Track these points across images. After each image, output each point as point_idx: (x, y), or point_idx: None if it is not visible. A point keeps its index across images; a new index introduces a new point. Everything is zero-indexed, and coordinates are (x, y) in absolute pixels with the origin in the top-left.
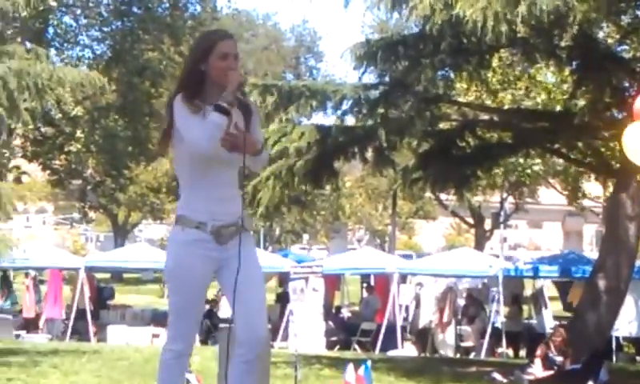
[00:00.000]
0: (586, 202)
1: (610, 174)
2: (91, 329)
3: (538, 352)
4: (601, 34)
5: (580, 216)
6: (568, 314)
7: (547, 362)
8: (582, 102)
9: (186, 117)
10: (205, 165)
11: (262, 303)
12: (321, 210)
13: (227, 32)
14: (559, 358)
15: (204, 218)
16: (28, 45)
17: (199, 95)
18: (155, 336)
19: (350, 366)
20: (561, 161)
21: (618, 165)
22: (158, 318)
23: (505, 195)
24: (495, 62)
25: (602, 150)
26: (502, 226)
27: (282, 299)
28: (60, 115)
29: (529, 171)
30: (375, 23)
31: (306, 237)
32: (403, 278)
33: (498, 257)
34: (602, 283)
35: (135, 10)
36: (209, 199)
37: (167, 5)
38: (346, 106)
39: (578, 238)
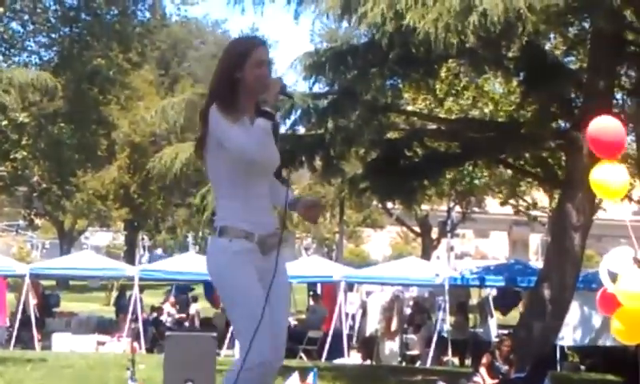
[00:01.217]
0: (533, 212)
1: (556, 185)
2: (36, 336)
3: (484, 360)
4: (548, 46)
5: (526, 225)
6: (513, 323)
7: (492, 371)
8: (529, 113)
9: (226, 126)
10: (246, 174)
11: (286, 325)
12: None
13: (260, 38)
14: (504, 367)
15: (250, 227)
16: None
17: (234, 103)
18: (100, 344)
19: (295, 375)
20: (508, 171)
21: (563, 175)
22: (103, 326)
23: (452, 204)
24: (443, 72)
25: (549, 160)
26: (449, 234)
27: None
28: (6, 122)
29: (476, 181)
30: (324, 32)
31: None
32: (350, 287)
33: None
34: (546, 293)
35: (83, 16)
36: (252, 209)
37: (116, 11)
38: (294, 115)
39: (524, 247)
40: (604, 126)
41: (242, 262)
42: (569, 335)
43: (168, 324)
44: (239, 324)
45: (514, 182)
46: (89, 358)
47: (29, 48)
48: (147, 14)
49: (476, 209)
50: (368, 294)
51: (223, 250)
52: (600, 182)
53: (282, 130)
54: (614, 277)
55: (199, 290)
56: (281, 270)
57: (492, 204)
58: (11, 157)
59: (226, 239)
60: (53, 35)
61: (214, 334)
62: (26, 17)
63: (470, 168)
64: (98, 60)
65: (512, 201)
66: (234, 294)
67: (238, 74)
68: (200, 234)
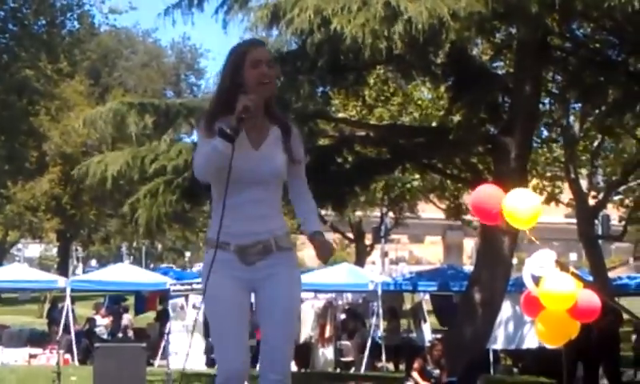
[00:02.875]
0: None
1: None
2: None
3: (415, 365)
4: (475, 51)
5: (460, 230)
6: (446, 328)
7: (424, 375)
8: (457, 118)
9: (200, 141)
10: (226, 185)
11: (284, 338)
12: (203, 227)
13: (257, 40)
14: (436, 371)
15: (226, 237)
16: None
17: (225, 115)
18: (32, 357)
19: None
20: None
21: (492, 180)
22: (35, 339)
23: (385, 210)
24: (372, 79)
25: (478, 165)
26: (382, 240)
27: (162, 317)
28: None
29: (408, 186)
30: None
31: (187, 254)
32: None
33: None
34: (477, 296)
35: (11, 26)
36: (234, 219)
37: (44, 21)
38: None
39: (458, 251)
40: (485, 195)
41: (214, 272)
42: (501, 338)
43: (103, 335)
44: (212, 338)
45: (445, 186)
46: (19, 371)
47: None
48: (76, 23)
49: (409, 214)
50: (300, 301)
51: (205, 261)
52: (510, 210)
53: None
54: (537, 280)
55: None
56: (276, 281)
57: (426, 209)
58: None
59: (206, 250)
60: None
61: (144, 345)
62: None
63: (401, 174)
64: (26, 71)
65: (443, 205)
66: (205, 306)
67: (238, 78)
68: (135, 244)
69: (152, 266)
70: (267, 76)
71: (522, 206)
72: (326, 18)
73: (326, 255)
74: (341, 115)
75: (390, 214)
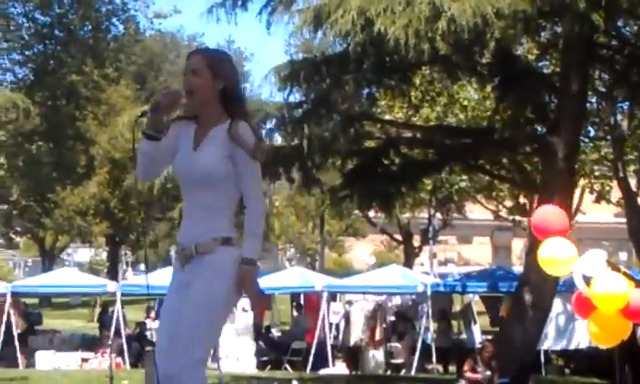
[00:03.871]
0: (516, 217)
1: (533, 189)
2: (19, 354)
3: (466, 367)
4: (521, 51)
5: (509, 230)
6: (496, 329)
7: (476, 378)
8: (504, 118)
9: None
10: (181, 188)
11: (174, 339)
12: None
13: (194, 50)
14: (487, 373)
15: (179, 239)
16: None
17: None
18: (84, 360)
19: None
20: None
21: (540, 180)
22: (86, 343)
23: (432, 211)
24: (417, 79)
25: (525, 165)
26: (431, 241)
27: None
28: None
29: (456, 187)
30: (299, 42)
31: None
32: (333, 297)
33: (428, 274)
34: (527, 297)
35: (57, 32)
36: (184, 221)
37: (90, 27)
38: (270, 124)
39: (506, 252)
40: (547, 215)
41: (171, 275)
42: (553, 339)
43: (154, 339)
44: None
45: (493, 187)
46: (71, 375)
47: (3, 66)
48: (121, 28)
49: (457, 215)
50: (348, 303)
51: None
52: (548, 259)
53: None
54: (588, 280)
55: None
56: (192, 287)
57: (473, 210)
58: None
59: None
60: (27, 52)
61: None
62: (0, 34)
63: (449, 175)
64: (72, 76)
65: (492, 206)
66: None
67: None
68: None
69: None
70: (188, 84)
71: (560, 255)
72: (369, 19)
73: (237, 285)
74: (387, 117)
75: (438, 215)
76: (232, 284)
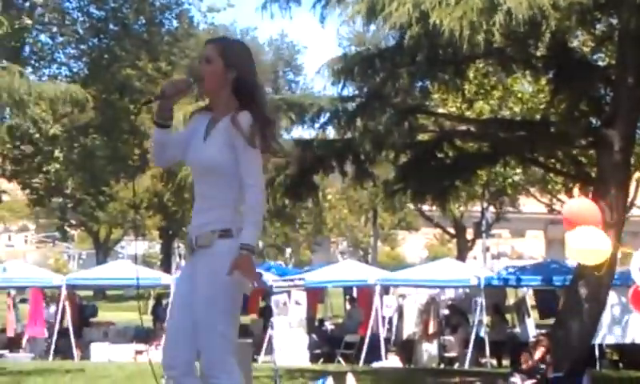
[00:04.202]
0: None
1: (588, 182)
2: (74, 347)
3: (522, 360)
4: (576, 43)
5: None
6: (549, 322)
7: (530, 371)
8: (559, 111)
9: None
10: (192, 177)
11: (179, 332)
12: (304, 224)
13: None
14: (542, 366)
15: (189, 230)
16: (4, 63)
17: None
18: (138, 353)
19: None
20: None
21: (595, 173)
22: (140, 335)
23: (485, 205)
24: (471, 73)
25: (580, 158)
26: (483, 235)
27: (265, 313)
28: (38, 135)
29: (510, 181)
30: (353, 35)
31: (288, 250)
32: (386, 290)
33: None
34: (582, 291)
35: (111, 26)
36: (192, 212)
37: (143, 21)
38: (323, 118)
39: (560, 245)
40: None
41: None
42: (607, 333)
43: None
44: None
45: (547, 180)
46: (126, 367)
47: (58, 60)
48: (174, 22)
49: (510, 209)
50: (401, 296)
51: None
52: (581, 251)
53: (312, 134)
54: None
55: None
56: (194, 280)
57: (527, 203)
58: (44, 170)
59: None
60: (82, 47)
61: (250, 341)
62: (55, 29)
63: (503, 168)
64: (127, 70)
65: (546, 199)
66: None
67: None
68: None
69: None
70: (199, 71)
71: (594, 246)
72: (424, 11)
73: (234, 268)
74: (440, 111)
75: (491, 208)
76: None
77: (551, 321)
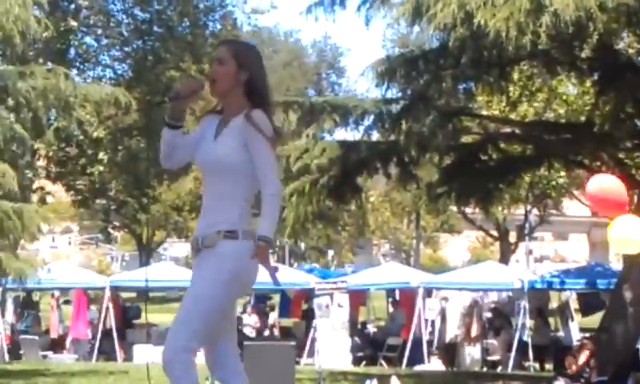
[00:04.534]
0: None
1: (633, 185)
2: (118, 348)
3: (567, 364)
4: (622, 45)
5: (606, 227)
6: (592, 325)
7: (575, 375)
8: (604, 114)
9: None
10: (202, 177)
11: (175, 325)
12: (346, 226)
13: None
14: (586, 371)
15: (196, 231)
16: (50, 65)
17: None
18: None
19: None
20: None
21: None
22: None
23: (529, 208)
24: (515, 75)
25: (625, 160)
26: (527, 238)
27: (308, 316)
28: (82, 137)
29: (554, 183)
30: (396, 37)
31: (330, 252)
32: (428, 293)
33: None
34: (627, 294)
35: (156, 29)
36: (201, 212)
37: (187, 23)
38: (367, 120)
39: (604, 249)
40: (604, 186)
41: None
42: None
43: (250, 334)
44: None
45: None
46: None
47: (103, 62)
48: (218, 25)
49: (554, 211)
50: (444, 299)
51: None
52: (621, 239)
53: (356, 136)
54: None
55: (277, 299)
56: (201, 270)
57: (570, 206)
58: (88, 172)
59: None
60: (126, 49)
61: (293, 343)
62: (100, 31)
63: (547, 171)
64: (171, 72)
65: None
66: None
67: None
68: (277, 242)
69: (295, 264)
70: (211, 72)
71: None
72: (469, 12)
73: (255, 258)
74: (484, 113)
75: (535, 211)
76: (230, 272)
77: (593, 318)
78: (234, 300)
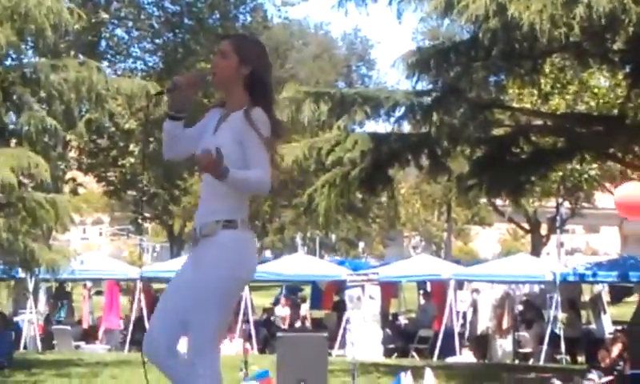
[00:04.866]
0: None
1: None
2: None
3: (600, 358)
4: None
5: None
6: (627, 319)
7: (608, 368)
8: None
9: None
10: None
11: (165, 314)
12: (376, 218)
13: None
14: (619, 364)
15: (193, 222)
16: (81, 57)
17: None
18: None
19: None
20: (618, 165)
21: None
22: None
23: (560, 200)
24: (547, 67)
25: None
26: (558, 231)
27: (339, 307)
28: (113, 128)
29: (586, 176)
30: (426, 29)
31: (361, 245)
32: (460, 285)
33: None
34: None
35: (186, 21)
36: (199, 203)
37: (218, 15)
38: (398, 112)
39: (636, 242)
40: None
41: None
42: None
43: (282, 325)
44: None
45: (623, 176)
46: None
47: (134, 54)
48: (248, 17)
49: (585, 204)
50: (475, 291)
51: None
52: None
53: (387, 128)
54: None
55: (309, 290)
56: (200, 260)
57: (602, 199)
58: (119, 163)
59: None
60: (157, 41)
61: (325, 335)
62: (131, 23)
63: (579, 164)
64: (201, 64)
65: None
66: None
67: None
68: (308, 234)
69: (325, 256)
70: (213, 65)
71: None
72: (502, 4)
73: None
74: (515, 106)
75: (566, 203)
76: (232, 266)
77: (626, 311)
78: (242, 288)
